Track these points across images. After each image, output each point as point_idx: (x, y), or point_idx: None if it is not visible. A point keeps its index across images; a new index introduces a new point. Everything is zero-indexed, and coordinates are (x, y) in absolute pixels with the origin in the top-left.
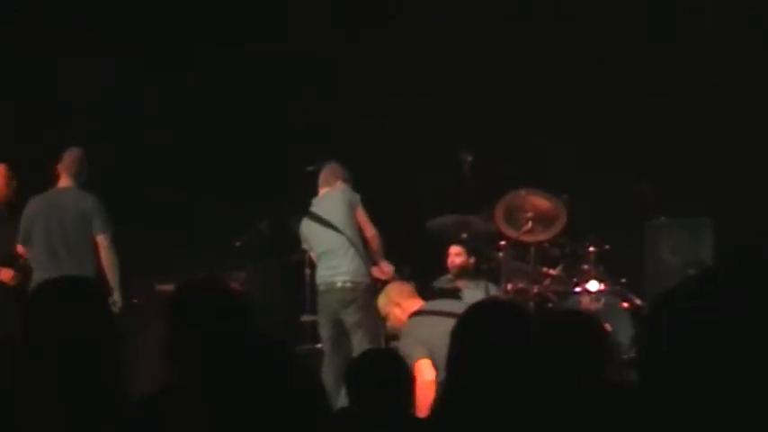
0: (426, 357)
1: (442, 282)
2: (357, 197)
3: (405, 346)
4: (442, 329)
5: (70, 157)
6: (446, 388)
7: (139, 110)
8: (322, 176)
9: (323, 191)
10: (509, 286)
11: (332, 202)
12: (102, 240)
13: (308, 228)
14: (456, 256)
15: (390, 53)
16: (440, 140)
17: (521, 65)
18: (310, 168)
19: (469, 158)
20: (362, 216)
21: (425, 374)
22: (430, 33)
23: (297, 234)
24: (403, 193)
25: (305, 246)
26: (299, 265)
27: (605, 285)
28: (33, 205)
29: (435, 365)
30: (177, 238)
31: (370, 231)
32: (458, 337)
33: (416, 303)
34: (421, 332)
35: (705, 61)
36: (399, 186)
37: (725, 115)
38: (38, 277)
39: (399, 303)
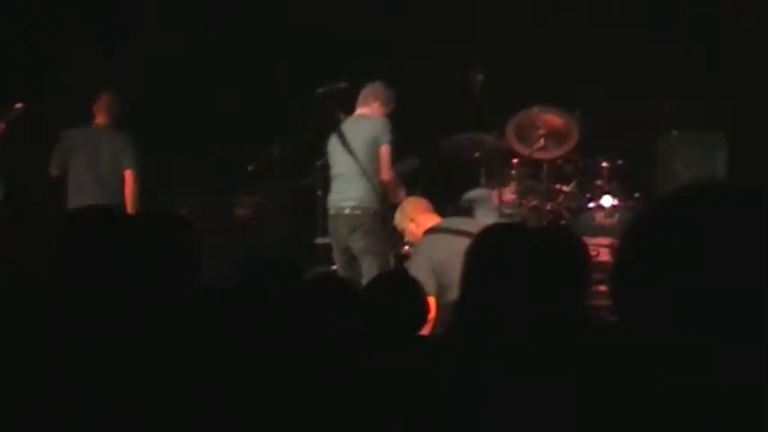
0: (430, 294)
1: (477, 195)
2: (387, 137)
3: (413, 265)
4: (455, 248)
5: (105, 99)
6: (458, 309)
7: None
8: (361, 95)
9: (358, 110)
10: (522, 203)
11: (358, 130)
12: (129, 175)
13: (332, 145)
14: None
15: None
16: (451, 59)
17: None
18: (321, 90)
19: (480, 77)
20: (385, 157)
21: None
22: None
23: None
24: (414, 112)
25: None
26: (311, 188)
27: (619, 201)
28: (72, 137)
29: (445, 284)
30: (190, 165)
31: (386, 176)
32: (471, 259)
33: (432, 219)
34: (431, 251)
35: None
36: (410, 106)
37: (744, 33)
38: (72, 204)
39: (414, 218)
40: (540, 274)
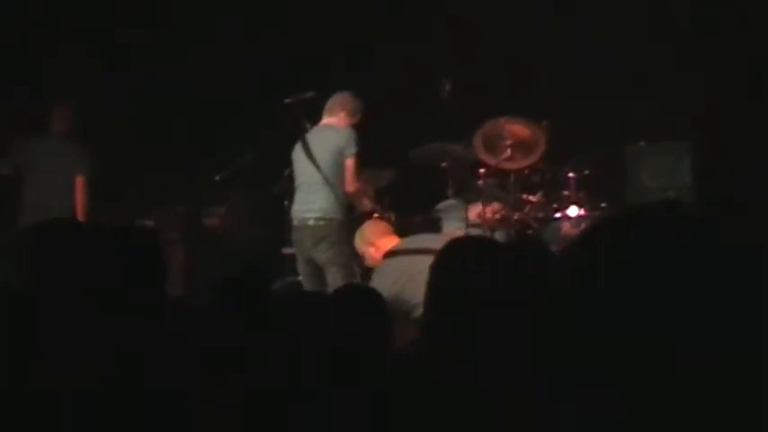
0: None
1: (448, 207)
2: (352, 149)
3: None
4: (412, 268)
5: (61, 110)
6: (424, 325)
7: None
8: (328, 104)
9: (325, 120)
10: (488, 210)
11: (324, 140)
12: (80, 182)
13: (296, 154)
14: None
15: None
16: (419, 68)
17: None
18: (288, 101)
19: (448, 86)
20: (350, 169)
21: None
22: None
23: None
24: (383, 121)
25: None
26: (279, 197)
27: (585, 210)
28: (29, 146)
29: (407, 306)
30: (159, 174)
31: (351, 187)
32: (435, 274)
33: (391, 241)
34: (390, 275)
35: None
36: (380, 115)
37: (709, 42)
38: (25, 212)
39: (373, 242)
40: (506, 287)
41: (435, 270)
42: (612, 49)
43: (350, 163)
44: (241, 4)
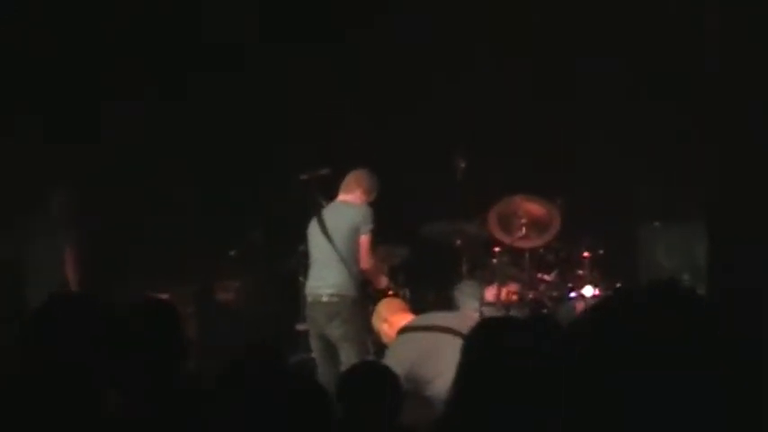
0: None
1: (465, 287)
2: (368, 226)
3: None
4: (426, 345)
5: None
6: (452, 402)
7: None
8: (345, 181)
9: (341, 197)
10: (504, 292)
11: (339, 217)
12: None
13: (311, 231)
14: (512, 294)
15: (385, 58)
16: (434, 146)
17: (515, 70)
18: (304, 176)
19: (463, 164)
20: (365, 246)
21: None
22: (422, 36)
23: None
24: (398, 198)
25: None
26: (293, 273)
27: (600, 290)
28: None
29: (420, 381)
30: (173, 248)
31: (366, 263)
32: (466, 355)
33: (405, 318)
34: (403, 351)
35: (706, 69)
36: (394, 192)
37: (724, 121)
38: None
39: (387, 319)
40: (535, 368)
41: (469, 349)
42: (629, 128)
43: (365, 240)
44: (258, 80)
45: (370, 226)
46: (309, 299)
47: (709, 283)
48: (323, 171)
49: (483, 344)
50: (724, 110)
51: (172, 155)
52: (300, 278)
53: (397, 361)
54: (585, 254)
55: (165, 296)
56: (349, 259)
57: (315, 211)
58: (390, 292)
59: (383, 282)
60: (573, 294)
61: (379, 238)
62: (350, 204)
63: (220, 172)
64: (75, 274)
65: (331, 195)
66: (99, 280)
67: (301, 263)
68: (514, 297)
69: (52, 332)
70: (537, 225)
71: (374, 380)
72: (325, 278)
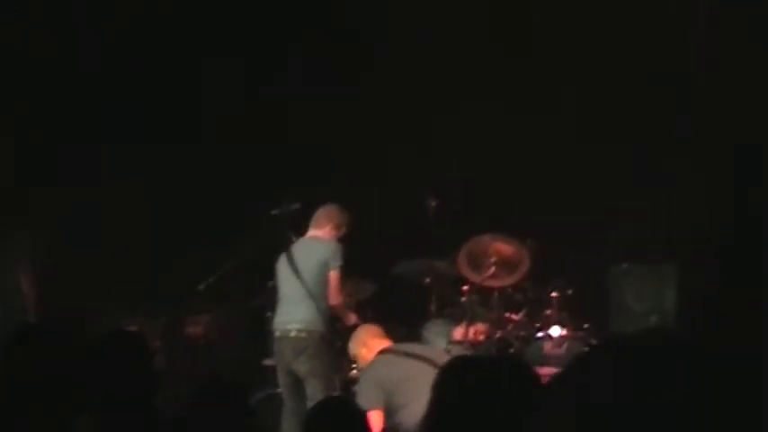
0: (378, 407)
1: (433, 326)
2: (337, 262)
3: (362, 385)
4: (408, 371)
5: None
6: None
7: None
8: (315, 217)
9: (311, 232)
10: (472, 331)
11: (309, 252)
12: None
13: (280, 266)
14: (480, 333)
15: (356, 101)
16: (405, 185)
17: (484, 110)
18: (275, 212)
19: (434, 203)
20: (334, 282)
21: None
22: (395, 79)
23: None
24: (368, 234)
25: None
26: (261, 308)
27: (568, 331)
28: None
29: (395, 404)
30: (142, 282)
31: (335, 299)
32: (439, 391)
33: (383, 343)
34: (381, 372)
35: (679, 110)
36: (364, 230)
37: (697, 164)
38: None
39: (366, 343)
40: (504, 407)
41: (439, 388)
42: (599, 169)
43: (334, 276)
44: (231, 115)
45: (339, 262)
46: (277, 333)
47: (678, 325)
48: (293, 206)
49: (452, 383)
50: (695, 155)
51: (143, 188)
52: (268, 313)
53: (372, 379)
54: (554, 294)
55: (133, 328)
56: (317, 295)
57: (284, 246)
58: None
59: (352, 318)
60: (540, 334)
61: (347, 272)
62: (319, 240)
63: (191, 206)
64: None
65: (301, 231)
66: (68, 311)
67: (270, 299)
68: (482, 336)
69: (23, 361)
70: (506, 264)
71: (341, 416)
72: (293, 313)
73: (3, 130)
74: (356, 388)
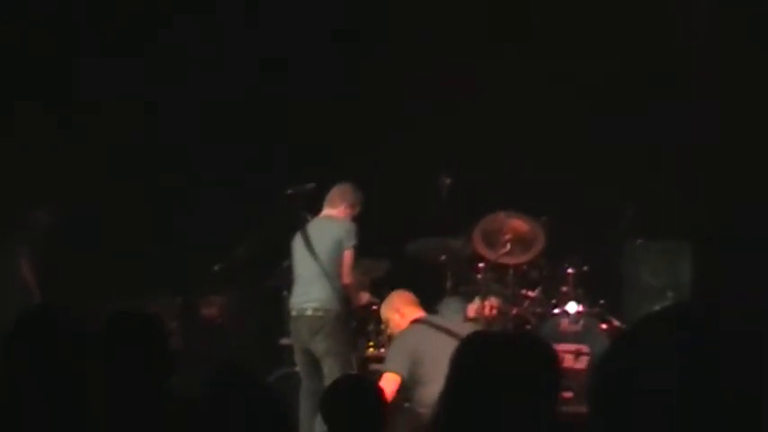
0: (400, 373)
1: (448, 304)
2: (351, 241)
3: (392, 350)
4: (438, 343)
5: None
6: (441, 410)
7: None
8: (329, 196)
9: (325, 211)
10: (487, 308)
11: (324, 232)
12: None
13: (296, 246)
14: (493, 308)
15: (370, 76)
16: (419, 163)
17: (500, 87)
18: (289, 191)
19: (448, 181)
20: (348, 261)
21: (386, 388)
22: (408, 54)
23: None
24: (382, 213)
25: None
26: (277, 288)
27: (584, 307)
28: None
29: (419, 375)
30: (157, 263)
31: (348, 279)
32: (457, 365)
33: (416, 312)
34: (413, 342)
35: (698, 88)
36: (379, 206)
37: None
38: None
39: (399, 309)
40: (522, 383)
41: (457, 362)
42: (614, 145)
43: (347, 255)
44: (245, 92)
45: (353, 242)
46: (293, 313)
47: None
48: (308, 186)
49: (470, 358)
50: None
51: (159, 168)
52: (284, 293)
53: (403, 346)
54: (570, 270)
55: (150, 310)
56: (332, 274)
57: (299, 226)
58: (374, 307)
59: (363, 298)
60: (557, 311)
61: (362, 252)
62: (334, 220)
63: (206, 186)
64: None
65: (316, 210)
66: (78, 294)
67: (286, 278)
68: (495, 311)
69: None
70: (521, 242)
71: (358, 394)
72: (309, 293)
73: None
74: (386, 351)
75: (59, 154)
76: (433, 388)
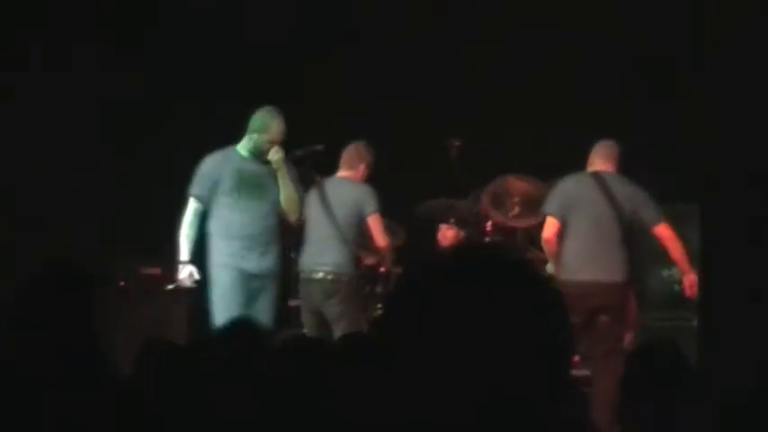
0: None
1: None
2: (374, 206)
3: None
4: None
5: None
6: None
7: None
8: (344, 156)
9: (342, 173)
10: None
11: (342, 194)
12: None
13: (311, 206)
14: (447, 230)
15: (377, 37)
16: (428, 125)
17: (509, 50)
18: (299, 152)
19: (457, 143)
20: (377, 224)
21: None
22: (416, 17)
23: None
24: (391, 178)
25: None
26: (285, 249)
27: None
28: None
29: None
30: (163, 222)
31: (382, 242)
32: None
33: None
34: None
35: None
36: (387, 171)
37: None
38: None
39: None
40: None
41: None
42: (624, 113)
43: (375, 219)
44: (255, 59)
45: (376, 205)
46: (303, 275)
47: (702, 266)
48: (317, 147)
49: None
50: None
51: (166, 127)
52: (293, 254)
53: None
54: None
55: (155, 271)
56: (348, 238)
57: (315, 187)
58: (381, 270)
59: (389, 263)
60: None
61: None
62: (353, 182)
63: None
64: None
65: (323, 172)
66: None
67: (294, 238)
68: None
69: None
70: (530, 204)
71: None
72: (322, 255)
73: None
74: None
75: None
76: None
